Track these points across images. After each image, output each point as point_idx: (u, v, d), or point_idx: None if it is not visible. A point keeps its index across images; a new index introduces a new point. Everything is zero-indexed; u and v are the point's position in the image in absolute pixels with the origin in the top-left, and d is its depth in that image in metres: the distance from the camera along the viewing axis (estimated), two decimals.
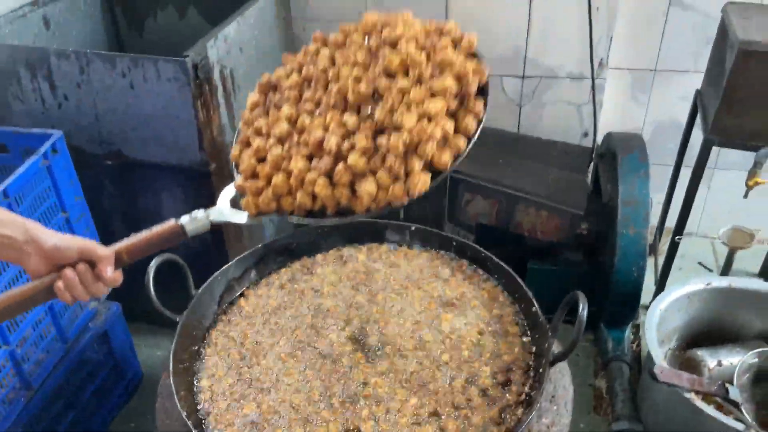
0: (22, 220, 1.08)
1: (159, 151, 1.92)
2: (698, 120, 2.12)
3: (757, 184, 1.86)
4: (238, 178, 1.33)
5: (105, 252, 1.12)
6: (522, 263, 2.30)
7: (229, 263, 1.57)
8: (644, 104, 2.52)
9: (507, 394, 1.31)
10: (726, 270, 2.15)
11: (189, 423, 1.21)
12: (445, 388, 1.32)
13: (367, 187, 1.18)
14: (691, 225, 2.35)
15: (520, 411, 1.27)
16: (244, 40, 2.04)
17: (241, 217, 1.29)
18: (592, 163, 2.37)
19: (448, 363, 1.37)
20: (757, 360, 1.92)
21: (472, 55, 1.30)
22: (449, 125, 1.20)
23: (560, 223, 2.15)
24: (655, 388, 1.82)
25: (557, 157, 2.34)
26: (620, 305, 2.10)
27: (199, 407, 1.31)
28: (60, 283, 1.07)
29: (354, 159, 1.19)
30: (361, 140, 1.20)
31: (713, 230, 2.75)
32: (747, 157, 1.93)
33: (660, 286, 2.34)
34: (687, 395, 1.68)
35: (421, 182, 1.18)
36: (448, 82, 1.20)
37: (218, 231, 2.04)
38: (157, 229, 1.20)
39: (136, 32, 2.51)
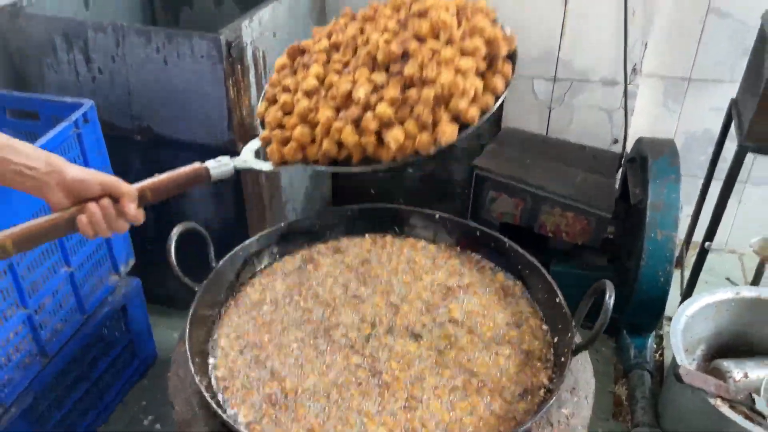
0: (46, 153, 1.06)
1: (188, 128, 1.92)
2: (732, 131, 2.07)
3: None
4: (264, 130, 1.33)
5: (129, 188, 1.10)
6: (544, 265, 2.26)
7: (251, 239, 1.56)
8: (676, 113, 2.46)
9: (531, 378, 1.29)
10: (756, 280, 2.09)
11: (202, 387, 1.19)
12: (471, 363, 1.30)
13: (396, 135, 1.17)
14: (719, 240, 2.27)
15: (542, 392, 1.26)
16: (279, 25, 2.04)
17: (265, 166, 1.29)
18: (620, 169, 2.33)
19: (467, 345, 1.35)
20: None
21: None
22: (479, 82, 1.20)
23: (587, 226, 2.11)
24: (679, 394, 1.77)
25: (585, 161, 2.30)
26: (644, 311, 2.03)
27: (214, 385, 1.27)
28: (83, 217, 1.05)
29: (382, 108, 1.18)
30: (390, 91, 1.19)
31: (742, 246, 2.68)
32: None
33: (685, 298, 2.27)
34: (712, 401, 1.62)
35: (449, 132, 1.17)
36: (478, 42, 1.21)
37: (241, 205, 2.02)
38: (183, 169, 1.19)
39: (172, 19, 2.54)
